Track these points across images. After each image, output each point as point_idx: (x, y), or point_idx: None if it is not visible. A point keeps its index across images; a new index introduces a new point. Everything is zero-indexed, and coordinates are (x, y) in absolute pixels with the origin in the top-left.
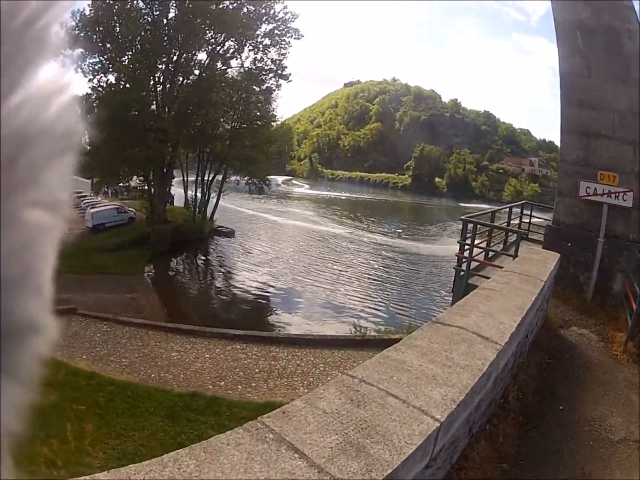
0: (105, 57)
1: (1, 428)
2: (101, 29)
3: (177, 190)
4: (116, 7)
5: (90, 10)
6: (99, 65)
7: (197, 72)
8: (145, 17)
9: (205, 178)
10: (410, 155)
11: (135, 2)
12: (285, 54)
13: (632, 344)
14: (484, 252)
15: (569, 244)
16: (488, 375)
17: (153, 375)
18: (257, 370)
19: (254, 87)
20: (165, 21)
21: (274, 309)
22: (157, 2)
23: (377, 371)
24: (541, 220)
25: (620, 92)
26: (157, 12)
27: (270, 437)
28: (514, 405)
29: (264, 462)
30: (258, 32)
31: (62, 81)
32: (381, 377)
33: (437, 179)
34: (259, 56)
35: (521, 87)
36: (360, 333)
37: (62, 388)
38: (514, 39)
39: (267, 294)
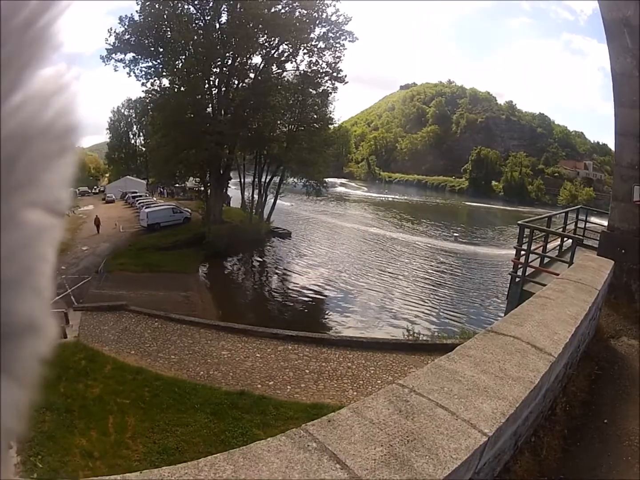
0: (158, 61)
1: (1, 428)
2: (152, 33)
3: (234, 192)
4: (166, 12)
5: (140, 15)
6: (152, 70)
7: (252, 75)
8: (197, 21)
9: (262, 180)
10: (467, 158)
11: (186, 7)
12: (340, 57)
13: None
14: (539, 258)
15: (623, 251)
16: (539, 388)
17: (202, 372)
18: (307, 371)
19: (310, 89)
20: (217, 25)
21: (328, 311)
22: (207, 7)
23: (428, 381)
24: (596, 225)
25: None
26: (209, 17)
27: (313, 446)
28: (561, 418)
29: (304, 471)
30: (312, 35)
31: (62, 81)
32: (432, 387)
33: (493, 183)
34: (314, 59)
35: (573, 89)
36: (412, 337)
37: (107, 382)
38: (564, 38)
39: (321, 296)
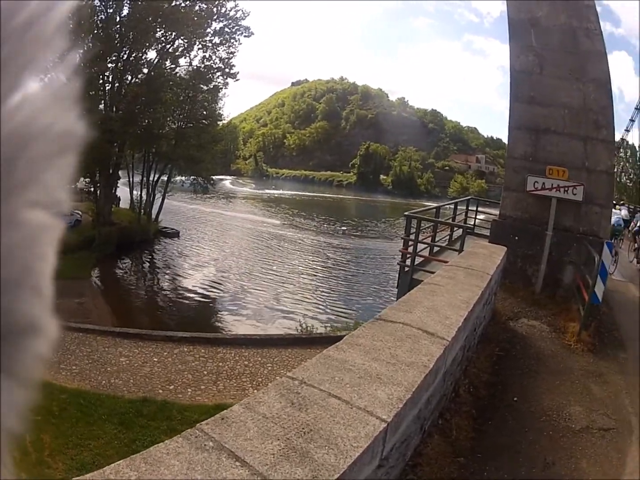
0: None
1: (1, 428)
2: None
3: (123, 192)
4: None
5: None
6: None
7: (145, 70)
8: (100, 14)
9: (151, 178)
10: (356, 153)
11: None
12: (234, 52)
13: (586, 333)
14: (429, 248)
15: (516, 238)
16: (436, 372)
17: (104, 382)
18: (205, 372)
19: (202, 85)
20: (118, 18)
21: (220, 310)
22: (111, 0)
23: (318, 372)
24: (488, 215)
25: (573, 90)
26: (111, 10)
27: (210, 445)
28: (466, 399)
29: (205, 471)
30: (208, 30)
31: (62, 81)
32: (323, 377)
33: (382, 177)
34: (207, 54)
35: (472, 87)
36: (306, 332)
37: None
38: (466, 39)
39: (213, 296)
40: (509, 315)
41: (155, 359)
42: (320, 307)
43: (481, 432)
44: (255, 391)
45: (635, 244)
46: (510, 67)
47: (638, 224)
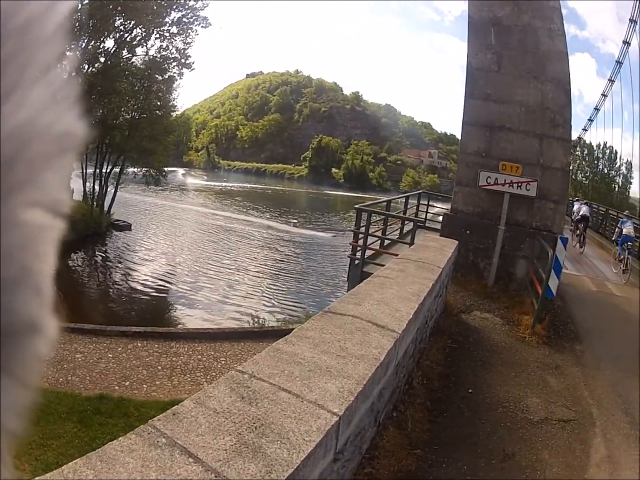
0: None
1: (1, 428)
2: None
3: (76, 184)
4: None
5: None
6: None
7: (102, 60)
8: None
9: (104, 170)
10: (309, 146)
11: None
12: (191, 42)
13: (540, 326)
14: (379, 241)
15: (468, 232)
16: (387, 364)
17: (61, 379)
18: (159, 367)
19: (157, 75)
20: (79, 6)
21: (172, 304)
22: None
23: (267, 365)
24: (439, 209)
25: (531, 88)
26: None
27: (163, 442)
28: (420, 391)
29: (159, 468)
30: (167, 19)
31: (62, 81)
32: (272, 371)
33: (333, 170)
34: (164, 44)
35: (428, 83)
36: (258, 325)
37: None
38: (427, 37)
39: (164, 290)
40: (461, 308)
41: (110, 355)
42: (272, 300)
43: (437, 423)
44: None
45: (577, 231)
46: (467, 64)
47: (580, 214)
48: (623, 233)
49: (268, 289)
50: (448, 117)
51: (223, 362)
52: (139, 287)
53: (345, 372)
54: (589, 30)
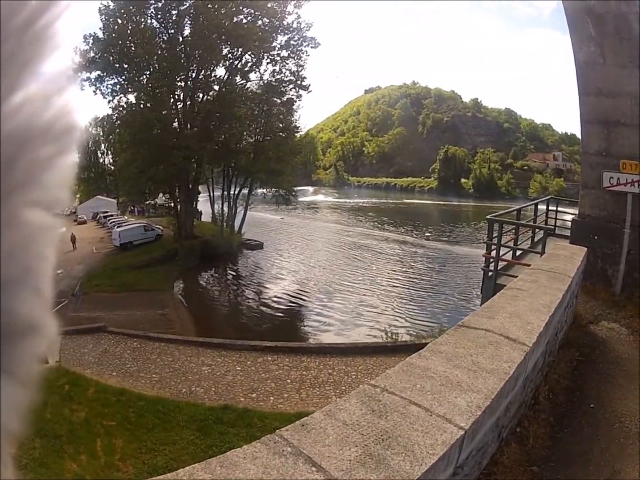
0: (123, 77)
1: (1, 428)
2: (117, 50)
3: (204, 206)
4: (130, 28)
5: (104, 32)
6: (118, 86)
7: (216, 87)
8: (161, 35)
9: (232, 192)
10: (435, 158)
11: (149, 21)
12: (303, 65)
13: None
14: (511, 251)
15: (596, 237)
16: (516, 378)
17: (184, 389)
18: (288, 381)
19: (275, 99)
20: (180, 39)
21: (304, 319)
22: (171, 20)
23: (400, 379)
24: (568, 214)
25: (634, 77)
26: (172, 30)
27: (288, 451)
28: (545, 406)
29: (280, 476)
30: (274, 44)
31: (62, 81)
32: (404, 385)
33: (463, 180)
34: (277, 68)
35: (540, 82)
36: (391, 339)
37: (92, 405)
38: (528, 33)
39: (297, 305)
40: (589, 318)
41: (238, 368)
42: (405, 315)
43: (557, 439)
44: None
45: None
46: (574, 59)
47: None
48: None
49: (400, 305)
50: (567, 116)
51: (354, 377)
52: (271, 304)
53: (475, 386)
54: None
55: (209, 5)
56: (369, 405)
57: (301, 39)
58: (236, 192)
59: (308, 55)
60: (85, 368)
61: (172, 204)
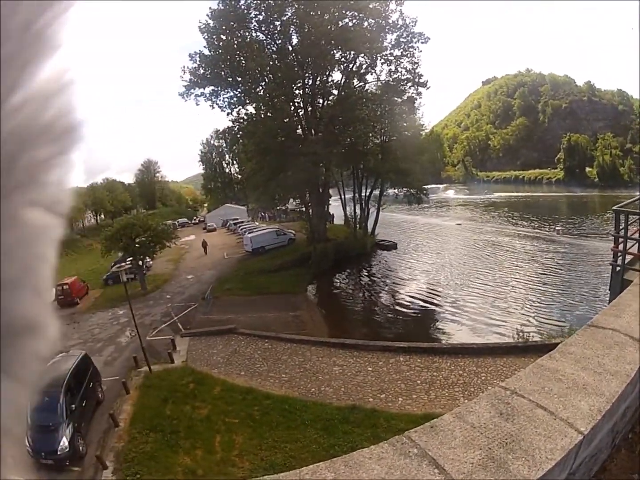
0: (239, 90)
1: (1, 428)
2: (227, 65)
3: (336, 209)
4: (236, 42)
5: (209, 49)
6: (235, 99)
7: (335, 91)
8: (269, 47)
9: (363, 194)
10: (559, 147)
11: (254, 34)
12: (418, 62)
13: None
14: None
15: None
16: (636, 381)
17: (313, 389)
18: (418, 382)
19: (395, 98)
20: (290, 48)
21: (437, 319)
22: (276, 31)
23: (530, 382)
24: None
25: None
26: (280, 41)
27: (414, 452)
28: None
29: (403, 476)
30: (385, 43)
31: (62, 81)
32: (533, 388)
33: (587, 169)
34: (392, 67)
35: None
36: (522, 339)
37: (216, 403)
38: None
39: (430, 305)
40: None
41: (369, 368)
42: (535, 314)
43: None
44: (466, 401)
45: None
46: None
47: None
48: None
49: (530, 303)
50: None
51: (483, 378)
52: (404, 304)
53: (598, 389)
54: None
55: (311, 13)
56: (498, 407)
57: (410, 35)
58: (367, 194)
59: (420, 51)
60: (213, 368)
61: (304, 209)
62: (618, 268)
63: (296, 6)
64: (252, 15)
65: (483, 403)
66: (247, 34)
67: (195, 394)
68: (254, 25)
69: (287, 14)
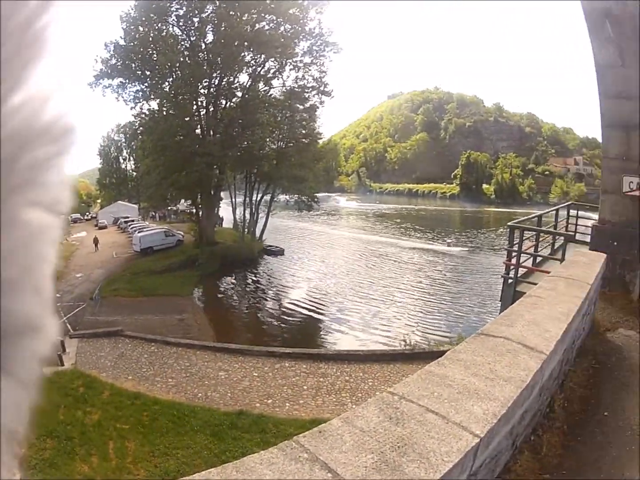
0: (145, 84)
1: (1, 428)
2: (139, 57)
3: (226, 212)
4: (152, 35)
5: (125, 40)
6: (140, 93)
7: (239, 94)
8: (183, 42)
9: (254, 198)
10: (457, 163)
11: (171, 28)
12: (326, 71)
13: None
14: (531, 258)
15: (615, 243)
16: (532, 387)
17: (200, 394)
18: (305, 387)
19: (298, 105)
20: (203, 46)
21: (323, 326)
22: (193, 28)
23: (418, 387)
24: (589, 220)
25: None
26: (194, 38)
27: (305, 457)
28: (560, 415)
29: None
30: (297, 50)
31: (62, 81)
32: (422, 393)
33: (484, 186)
34: (300, 74)
35: (562, 85)
36: (409, 347)
37: (106, 408)
38: (550, 34)
39: (316, 312)
40: (607, 325)
41: (255, 374)
42: (420, 323)
43: (570, 448)
44: (354, 406)
45: None
46: (594, 61)
47: None
48: None
49: (415, 314)
50: (588, 120)
51: (370, 384)
52: (289, 311)
53: (492, 394)
54: None
55: (231, 12)
56: (387, 412)
57: (323, 44)
58: (258, 199)
59: (331, 60)
60: (101, 371)
61: (194, 210)
62: (510, 280)
63: (217, 4)
64: (174, 8)
65: (371, 408)
66: (164, 27)
67: (85, 399)
68: (173, 19)
69: (207, 11)
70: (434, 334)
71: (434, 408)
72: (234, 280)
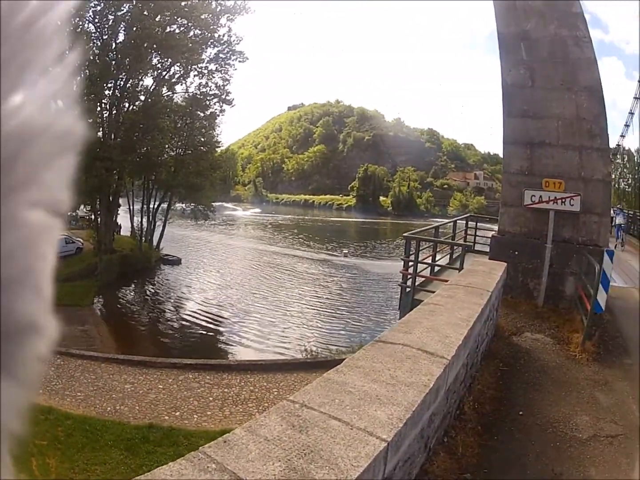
0: None
1: (1, 428)
2: None
3: (124, 220)
4: (67, 31)
5: None
6: None
7: (142, 97)
8: (96, 41)
9: (151, 206)
10: (355, 176)
11: (86, 25)
12: (229, 79)
13: (590, 342)
14: (429, 267)
15: (516, 253)
16: (436, 390)
17: (109, 408)
18: (211, 398)
19: (199, 112)
20: (113, 45)
21: (224, 337)
22: (107, 26)
23: (318, 395)
24: (487, 231)
25: (565, 100)
26: (106, 36)
27: (213, 467)
28: (471, 416)
29: None
30: (203, 56)
31: (62, 81)
32: (323, 400)
33: (381, 198)
34: (203, 81)
35: (468, 104)
36: (311, 356)
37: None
38: (462, 55)
39: (215, 323)
40: (512, 330)
41: (160, 386)
42: (325, 332)
43: (487, 447)
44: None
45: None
46: (502, 82)
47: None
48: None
49: (320, 321)
50: (491, 137)
51: (276, 393)
52: (189, 321)
53: (394, 399)
54: (613, 33)
55: (145, 13)
56: (289, 420)
57: (230, 52)
58: (155, 206)
59: (235, 69)
60: None
61: (93, 217)
62: (408, 289)
63: (134, 3)
64: (92, 4)
65: (273, 417)
66: (80, 23)
67: None
68: (90, 15)
69: (123, 9)
70: (334, 344)
71: (337, 415)
72: (133, 290)
